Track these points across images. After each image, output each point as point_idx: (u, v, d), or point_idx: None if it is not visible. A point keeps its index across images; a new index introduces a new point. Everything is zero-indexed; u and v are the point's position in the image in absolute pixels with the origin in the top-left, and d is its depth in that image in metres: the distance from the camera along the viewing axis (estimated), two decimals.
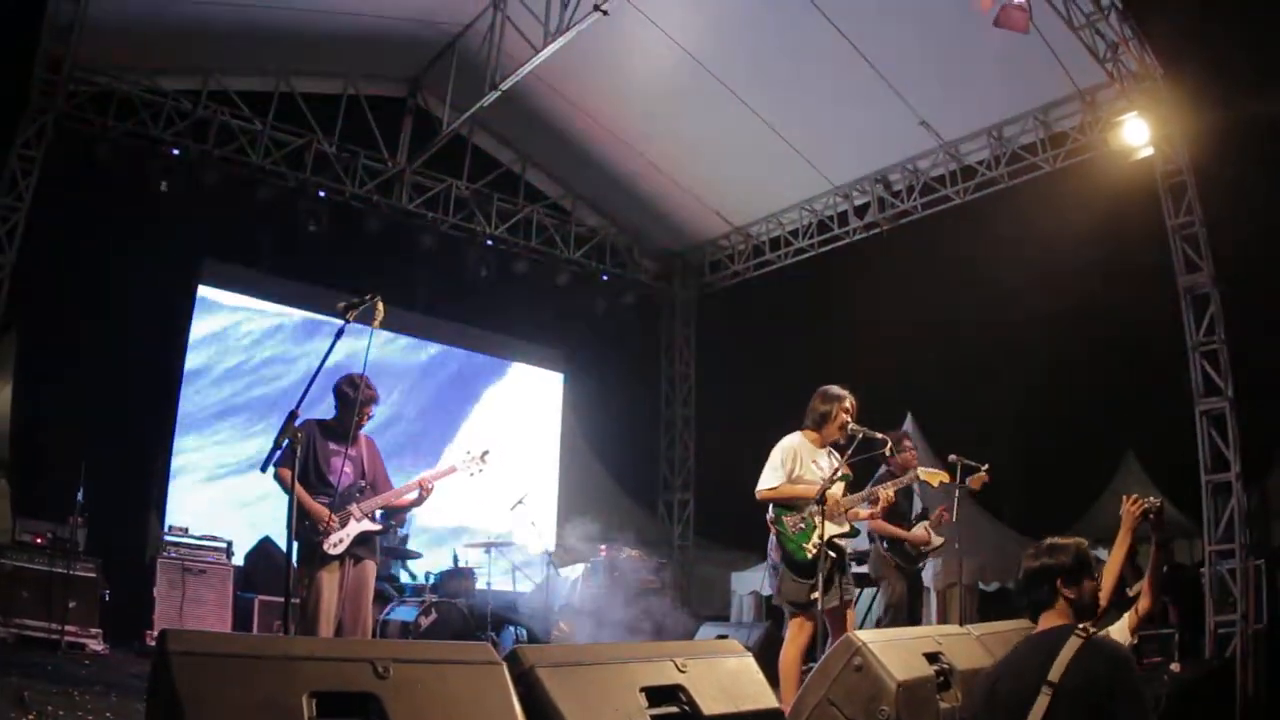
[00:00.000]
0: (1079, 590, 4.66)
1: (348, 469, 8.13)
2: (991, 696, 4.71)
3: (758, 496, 8.22)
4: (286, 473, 7.14)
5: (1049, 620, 4.69)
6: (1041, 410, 18.98)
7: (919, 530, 10.45)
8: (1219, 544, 12.24)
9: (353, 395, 8.06)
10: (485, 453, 8.56)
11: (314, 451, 8.06)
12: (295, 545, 7.44)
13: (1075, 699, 4.23)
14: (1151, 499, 6.24)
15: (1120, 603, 6.20)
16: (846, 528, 8.26)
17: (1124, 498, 6.39)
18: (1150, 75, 12.58)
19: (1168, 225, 13.00)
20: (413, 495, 8.31)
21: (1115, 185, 13.32)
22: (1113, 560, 6.15)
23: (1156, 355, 14.29)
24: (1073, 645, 4.37)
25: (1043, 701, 4.27)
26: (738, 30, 14.10)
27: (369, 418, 8.31)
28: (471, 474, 8.55)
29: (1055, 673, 4.30)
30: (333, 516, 7.84)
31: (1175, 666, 10.99)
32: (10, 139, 12.73)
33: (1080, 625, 4.49)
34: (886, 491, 8.71)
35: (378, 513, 8.28)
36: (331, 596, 7.80)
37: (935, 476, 9.15)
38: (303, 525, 7.66)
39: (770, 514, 8.17)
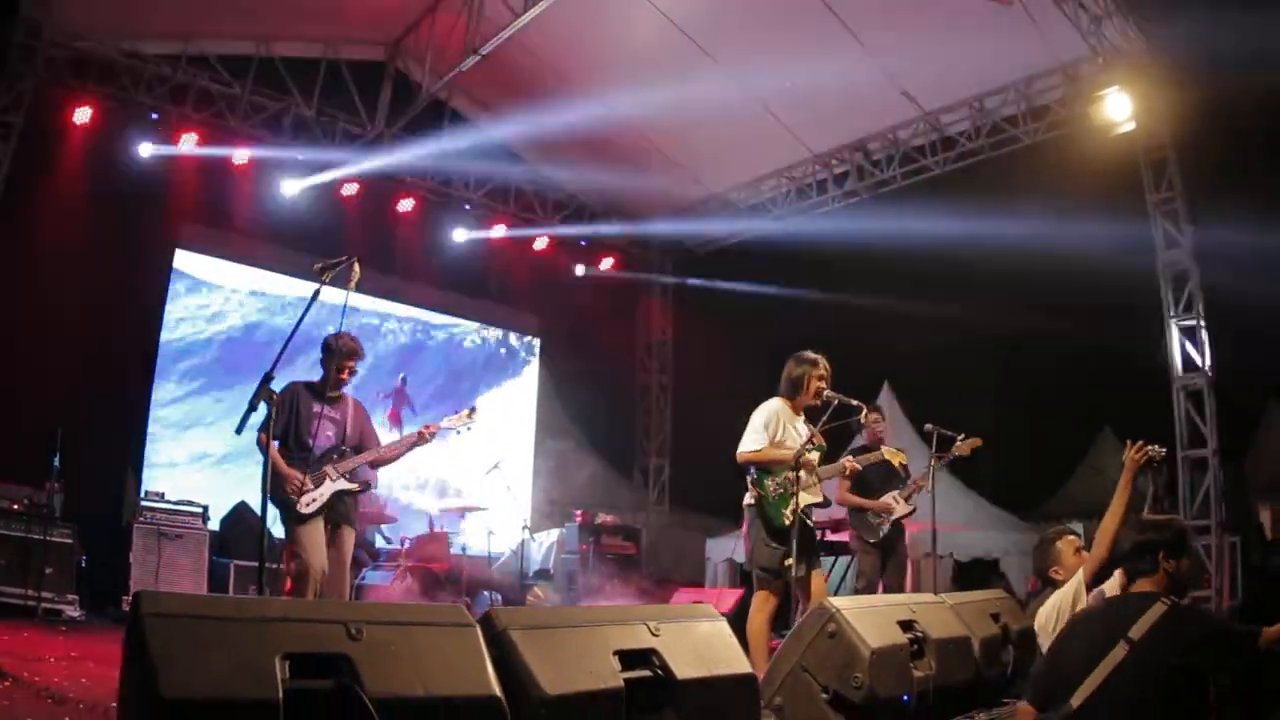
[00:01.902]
0: (1178, 564, 4.96)
1: (328, 431, 8.10)
2: (1071, 638, 5.03)
3: (739, 458, 8.17)
4: (265, 438, 6.92)
5: (1142, 587, 4.98)
6: (1018, 383, 19.03)
7: (884, 499, 10.42)
8: (1194, 520, 12.34)
9: (335, 346, 8.06)
10: (472, 409, 8.56)
11: (296, 414, 8.04)
12: (280, 513, 7.69)
13: (1152, 657, 4.51)
14: (1157, 446, 6.38)
15: (1114, 561, 6.24)
16: (820, 497, 8.27)
17: (1128, 443, 6.60)
18: (1133, 49, 12.59)
19: (1148, 200, 13.07)
20: (412, 439, 8.30)
21: (1096, 159, 13.35)
22: (1113, 509, 6.35)
23: (1135, 330, 14.33)
24: (1158, 610, 4.65)
25: (1118, 653, 4.56)
26: None
27: (352, 372, 8.31)
28: (458, 432, 8.57)
29: (1137, 631, 4.58)
30: (305, 478, 7.78)
31: None
32: None
33: (1168, 595, 4.79)
34: (851, 463, 8.83)
35: (356, 471, 8.16)
36: (320, 553, 7.80)
37: (896, 456, 9.27)
38: (279, 491, 7.64)
39: (752, 474, 8.14)
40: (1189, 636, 4.62)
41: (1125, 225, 13.68)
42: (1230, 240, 13.20)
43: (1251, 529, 13.66)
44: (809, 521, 8.11)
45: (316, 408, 8.08)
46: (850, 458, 9.29)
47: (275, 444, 7.69)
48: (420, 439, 8.23)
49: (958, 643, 6.51)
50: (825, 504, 8.46)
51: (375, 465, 8.45)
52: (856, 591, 10.53)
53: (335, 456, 8.08)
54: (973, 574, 14.88)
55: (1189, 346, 12.82)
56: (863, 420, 8.73)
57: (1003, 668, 7.10)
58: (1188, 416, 12.76)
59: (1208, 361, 12.70)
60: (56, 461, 11.46)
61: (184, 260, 15.44)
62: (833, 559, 12.29)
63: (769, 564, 7.93)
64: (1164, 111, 12.73)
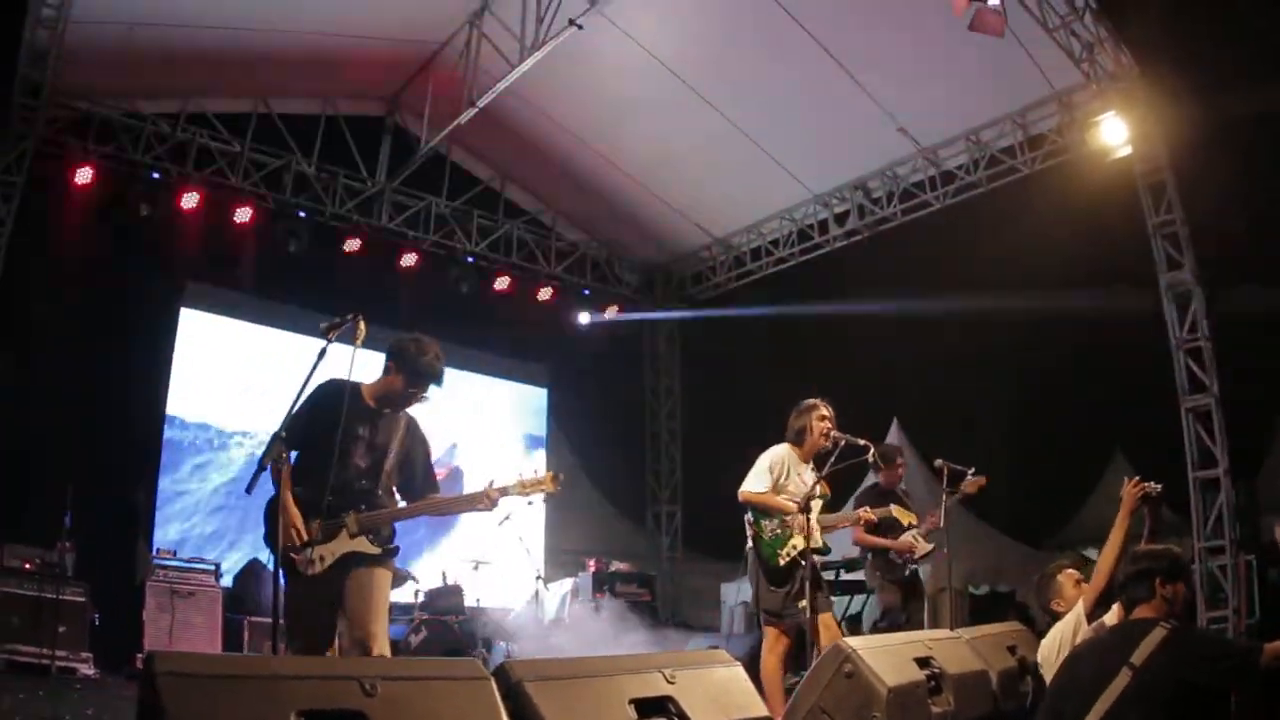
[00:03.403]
0: (1174, 589, 5.06)
1: (361, 460, 6.32)
2: (1074, 669, 5.09)
3: (740, 497, 8.20)
4: (273, 466, 5.80)
5: (1141, 614, 5.06)
6: (1028, 413, 18.97)
7: (905, 538, 10.37)
8: (1209, 541, 12.30)
9: (413, 356, 6.38)
10: (556, 475, 6.37)
11: (324, 428, 6.08)
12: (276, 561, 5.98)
13: (1155, 681, 4.57)
14: (1153, 484, 6.42)
15: (1112, 593, 6.25)
16: (821, 543, 8.19)
17: (1125, 479, 6.67)
18: (1126, 75, 12.63)
19: (1148, 224, 13.09)
20: (471, 500, 6.29)
21: (1094, 186, 13.36)
22: (1111, 542, 6.41)
23: (1142, 354, 14.32)
24: (1158, 635, 4.72)
25: (1121, 680, 4.61)
26: (714, 41, 14.12)
27: (422, 399, 6.56)
28: (530, 501, 6.73)
29: (1139, 656, 4.64)
30: (315, 525, 6.09)
31: None
32: None
33: (1167, 620, 4.88)
34: (868, 515, 8.89)
35: (384, 530, 6.33)
36: (317, 633, 6.13)
37: (905, 516, 9.45)
38: (278, 534, 5.85)
39: (749, 515, 8.19)
40: (1190, 658, 4.67)
41: (1126, 249, 13.70)
42: (1231, 258, 13.24)
43: (1266, 547, 13.59)
44: (802, 562, 8.02)
45: (362, 430, 6.33)
46: (866, 508, 9.31)
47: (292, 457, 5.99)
48: (481, 502, 6.26)
49: (975, 677, 6.49)
50: (825, 551, 8.39)
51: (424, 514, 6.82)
52: (878, 628, 10.51)
53: (363, 503, 6.20)
54: (990, 607, 14.81)
55: (1195, 367, 12.81)
56: (871, 459, 8.71)
57: (1021, 700, 7.08)
58: (1197, 437, 12.73)
59: (1215, 381, 12.68)
60: (68, 520, 11.45)
61: (190, 317, 15.41)
62: (848, 598, 12.28)
63: (770, 606, 7.97)
64: (1160, 134, 12.76)
